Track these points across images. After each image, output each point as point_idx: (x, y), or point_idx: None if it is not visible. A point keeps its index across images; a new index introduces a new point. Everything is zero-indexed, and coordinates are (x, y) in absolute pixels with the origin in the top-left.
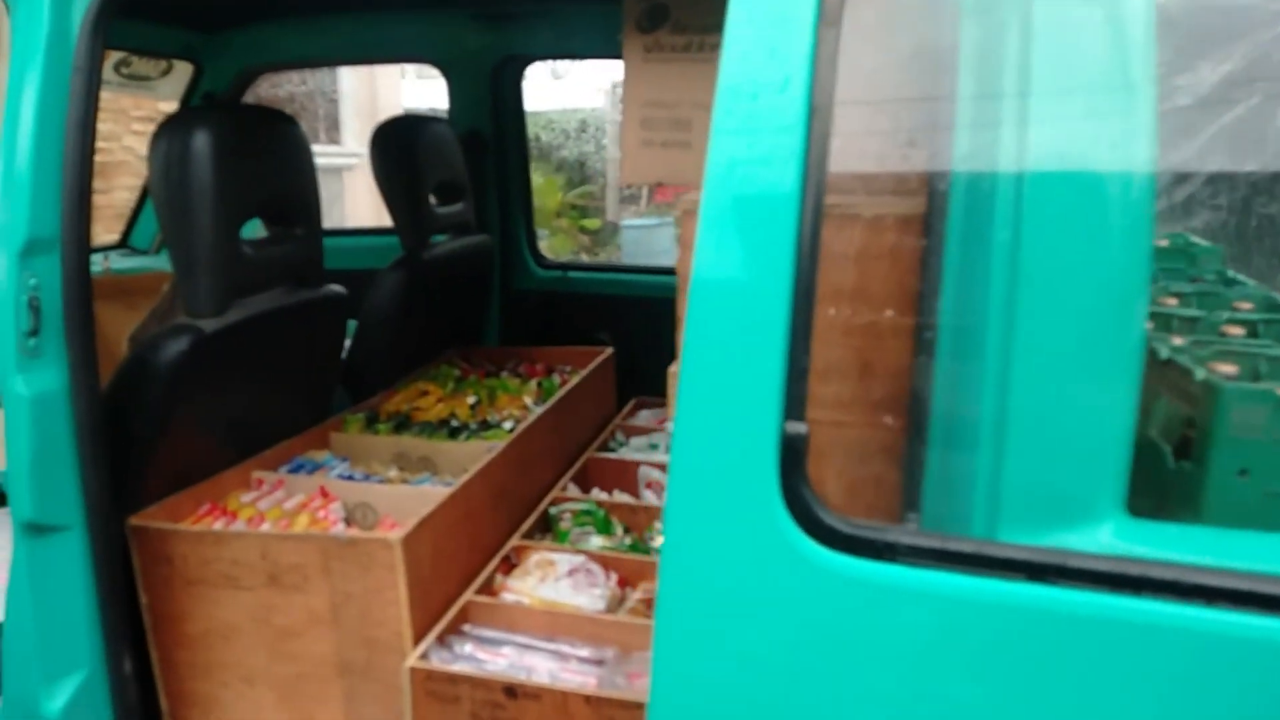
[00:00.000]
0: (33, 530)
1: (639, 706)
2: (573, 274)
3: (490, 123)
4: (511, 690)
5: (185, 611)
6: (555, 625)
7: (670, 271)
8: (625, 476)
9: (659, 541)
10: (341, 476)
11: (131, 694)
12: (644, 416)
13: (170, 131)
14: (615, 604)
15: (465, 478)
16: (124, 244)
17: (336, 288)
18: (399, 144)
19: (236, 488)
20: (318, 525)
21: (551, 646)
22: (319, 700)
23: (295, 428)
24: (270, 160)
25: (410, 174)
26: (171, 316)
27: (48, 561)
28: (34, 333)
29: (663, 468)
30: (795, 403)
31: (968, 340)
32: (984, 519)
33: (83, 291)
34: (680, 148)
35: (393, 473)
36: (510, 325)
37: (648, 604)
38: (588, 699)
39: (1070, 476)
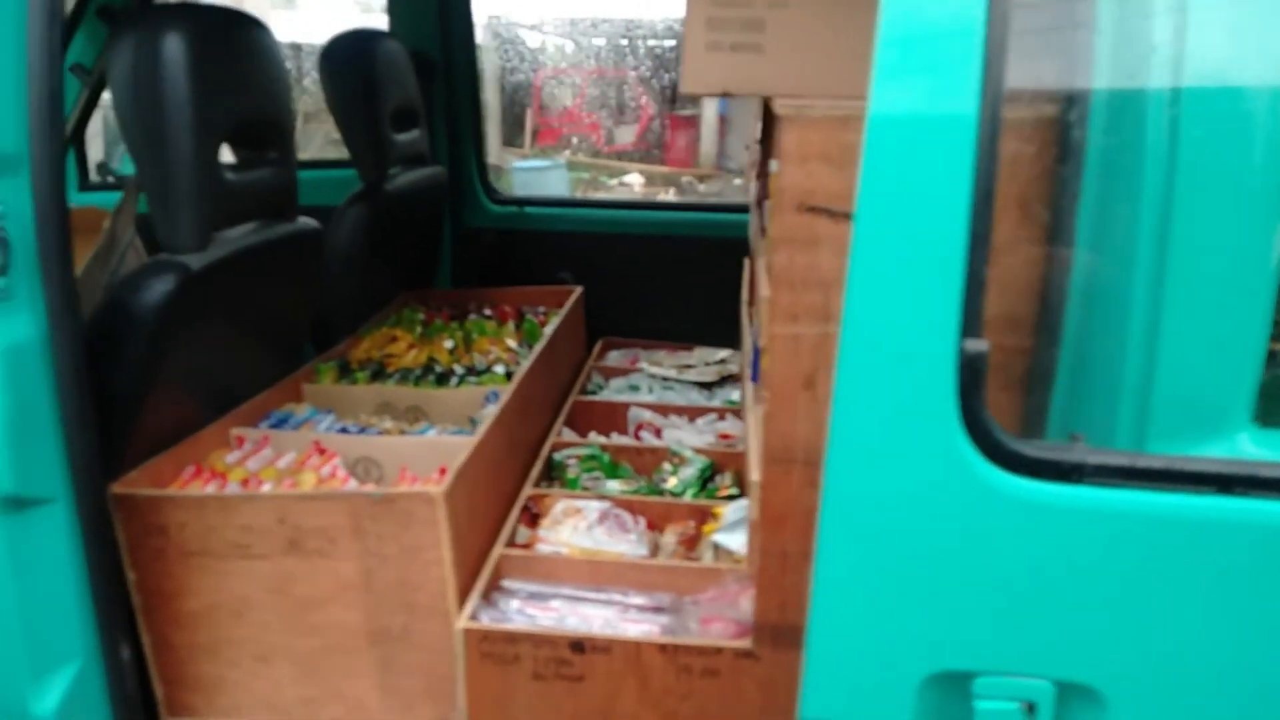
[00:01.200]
0: (12, 505)
1: (717, 652)
2: (529, 209)
3: (438, 44)
4: (579, 645)
5: (183, 587)
6: (598, 574)
7: (634, 206)
8: (615, 419)
9: (671, 483)
10: (331, 430)
11: (131, 683)
12: (614, 357)
13: (135, 36)
14: (653, 548)
15: (487, 425)
16: None
17: (311, 221)
18: (355, 63)
19: (216, 447)
20: (326, 485)
21: (603, 596)
22: (348, 673)
23: (267, 379)
24: (245, 71)
25: (369, 98)
26: (120, 259)
27: (30, 540)
28: (2, 271)
29: (653, 408)
30: (973, 319)
31: (1121, 253)
32: (1132, 432)
33: (60, 218)
34: (752, 51)
35: (387, 423)
36: (462, 265)
37: (688, 545)
38: (662, 648)
39: (1214, 388)
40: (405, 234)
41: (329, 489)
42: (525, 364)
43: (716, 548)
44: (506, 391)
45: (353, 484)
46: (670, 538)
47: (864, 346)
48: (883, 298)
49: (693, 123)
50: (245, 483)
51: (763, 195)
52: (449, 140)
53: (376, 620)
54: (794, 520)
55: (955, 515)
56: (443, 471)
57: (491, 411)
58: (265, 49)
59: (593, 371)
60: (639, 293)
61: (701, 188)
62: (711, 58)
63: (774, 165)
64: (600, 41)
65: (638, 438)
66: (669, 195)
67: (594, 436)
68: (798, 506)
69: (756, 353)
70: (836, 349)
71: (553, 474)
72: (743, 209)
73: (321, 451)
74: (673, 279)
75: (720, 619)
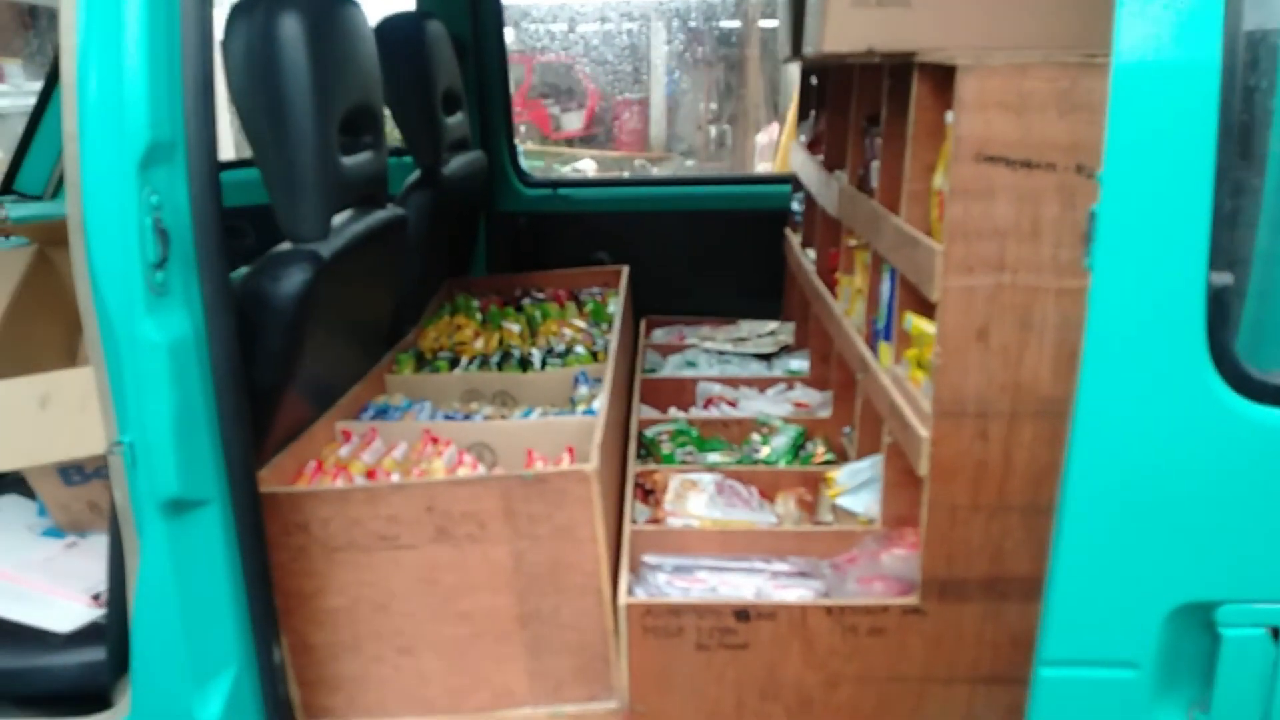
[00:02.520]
0: (173, 509)
1: (883, 610)
2: (563, 191)
3: (469, 23)
4: (743, 612)
5: (325, 585)
6: (731, 544)
7: (668, 182)
8: (683, 394)
9: (764, 452)
10: (435, 418)
11: (281, 688)
12: (659, 335)
13: (250, 18)
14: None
15: (602, 404)
16: (8, 190)
17: (398, 209)
18: (410, 45)
19: (327, 443)
20: (453, 472)
21: (745, 565)
22: (496, 659)
23: (359, 372)
24: (351, 53)
25: (425, 81)
26: None
27: (188, 544)
28: (161, 263)
29: (722, 382)
30: (1219, 254)
31: None
32: None
33: (216, 208)
34: (899, 6)
35: (486, 409)
36: (497, 251)
37: (807, 510)
38: (828, 610)
39: None
40: (454, 221)
41: (478, 474)
42: (612, 343)
43: (836, 510)
44: (606, 371)
45: (481, 469)
46: (787, 504)
47: (1114, 290)
48: (1133, 239)
49: (641, 106)
50: (371, 475)
51: (834, 162)
52: (479, 124)
53: (527, 603)
54: (964, 473)
55: (1204, 448)
56: (570, 451)
57: (597, 391)
58: (363, 30)
59: (646, 350)
60: (677, 269)
61: (655, 170)
62: (855, 14)
63: (949, 116)
64: (539, 27)
65: (707, 410)
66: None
67: (674, 412)
68: (967, 459)
69: (890, 314)
70: (1010, 299)
71: (646, 451)
72: (781, 180)
73: (434, 440)
74: (710, 254)
75: (880, 577)
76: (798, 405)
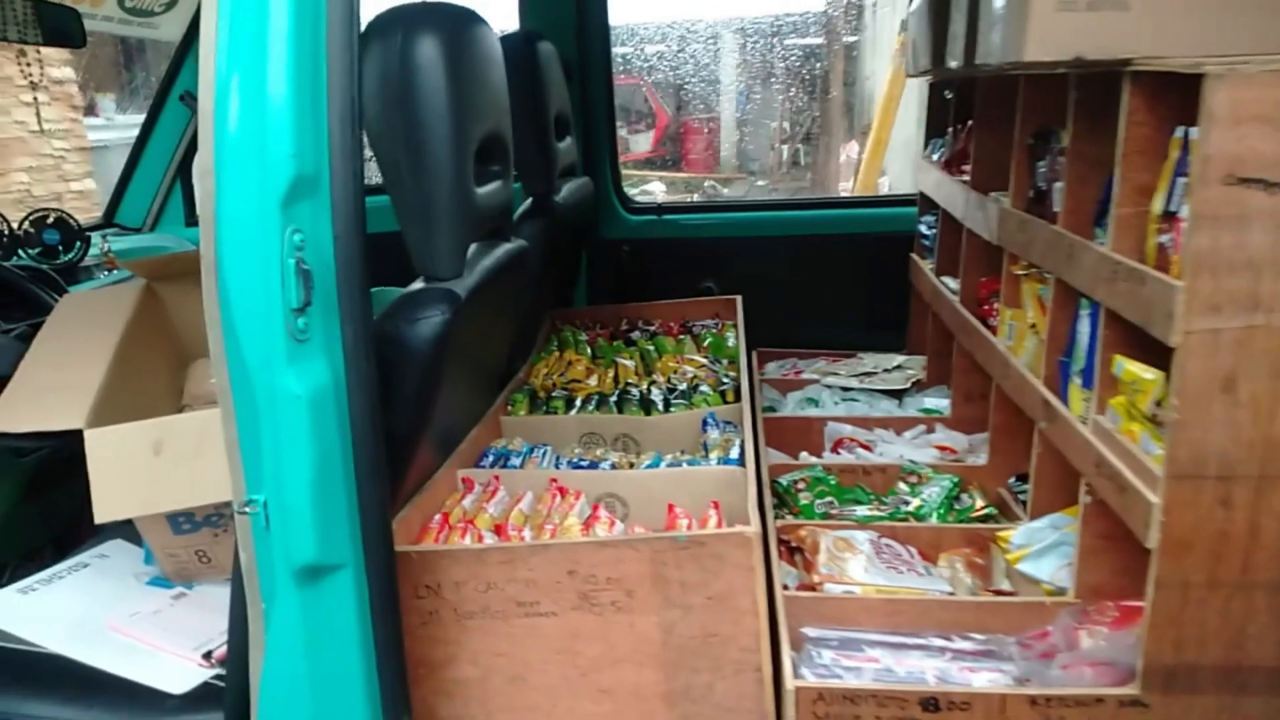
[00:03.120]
0: (308, 575)
1: (1098, 702)
2: (668, 216)
3: (574, 43)
4: (932, 701)
5: (455, 654)
6: (899, 614)
7: (778, 206)
8: (809, 436)
9: (913, 504)
10: (560, 466)
11: None
12: (773, 369)
13: (385, 40)
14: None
15: (749, 452)
16: (110, 223)
17: (522, 241)
18: (521, 65)
19: (449, 493)
20: (589, 529)
21: (922, 641)
22: None
23: (478, 413)
24: (485, 77)
25: (538, 103)
26: None
27: (322, 612)
28: (304, 308)
29: (853, 422)
30: None
31: None
32: None
33: (360, 247)
34: (1114, 9)
35: (612, 455)
36: (598, 280)
37: (980, 573)
38: (1033, 700)
39: None
40: (564, 251)
41: (623, 535)
42: (743, 381)
43: (1014, 576)
44: (743, 413)
45: (620, 528)
46: (954, 568)
47: None
48: None
49: (710, 127)
50: (499, 530)
51: (986, 183)
52: (583, 149)
53: (676, 679)
54: (1201, 545)
55: None
56: (716, 506)
57: (731, 435)
58: (495, 53)
59: (762, 385)
60: (790, 298)
61: (726, 191)
62: (1061, 19)
63: (1193, 132)
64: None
65: (836, 454)
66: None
67: (805, 457)
68: (1206, 529)
69: (1092, 356)
70: (1264, 343)
71: (779, 501)
72: (905, 201)
73: (562, 491)
74: (826, 281)
75: (1090, 663)
76: (942, 449)
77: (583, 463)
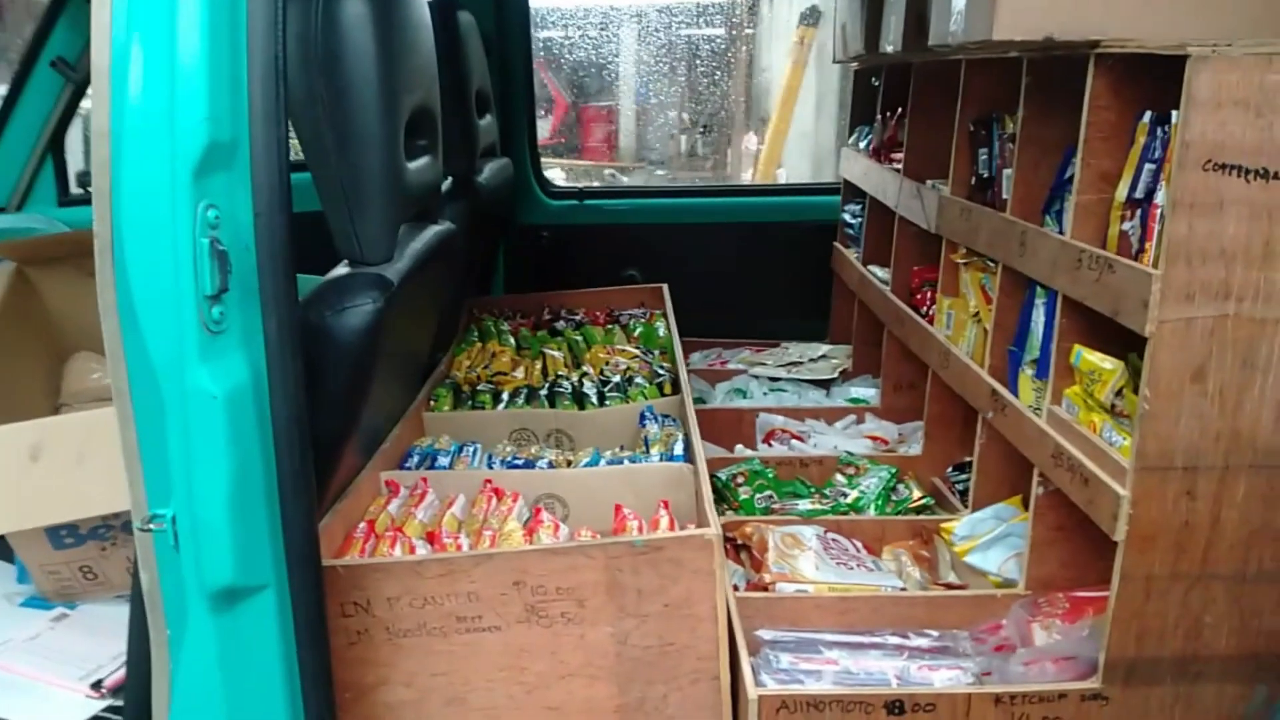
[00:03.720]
0: (224, 599)
1: (1060, 697)
2: (589, 201)
3: (492, 18)
4: (896, 704)
5: (387, 675)
6: (852, 612)
7: (704, 193)
8: (741, 428)
9: (851, 496)
10: (493, 465)
11: None
12: (697, 359)
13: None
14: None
15: (698, 447)
16: None
17: (448, 224)
18: (440, 33)
19: (372, 497)
20: (532, 534)
21: (878, 640)
22: None
23: (400, 409)
24: (414, 43)
25: (460, 77)
26: None
27: (240, 639)
28: (219, 295)
29: (784, 413)
30: None
31: None
32: None
33: (285, 226)
34: None
35: (549, 453)
36: (516, 268)
37: (926, 566)
38: (997, 698)
39: None
40: (484, 235)
41: (576, 542)
42: (682, 373)
43: (960, 568)
44: (685, 407)
45: (565, 531)
46: (900, 562)
47: None
48: None
49: (609, 115)
50: (432, 540)
51: (921, 171)
52: (501, 128)
53: (630, 693)
54: (1165, 537)
55: None
56: (665, 505)
57: (672, 430)
58: (423, 17)
59: (689, 376)
60: (712, 286)
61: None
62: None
63: (1173, 116)
64: None
65: (769, 446)
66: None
67: (741, 450)
68: (1171, 521)
69: (1048, 345)
70: (1234, 333)
71: (718, 496)
72: (829, 190)
73: (498, 493)
74: (748, 269)
75: (1051, 657)
76: (875, 440)
77: (517, 461)
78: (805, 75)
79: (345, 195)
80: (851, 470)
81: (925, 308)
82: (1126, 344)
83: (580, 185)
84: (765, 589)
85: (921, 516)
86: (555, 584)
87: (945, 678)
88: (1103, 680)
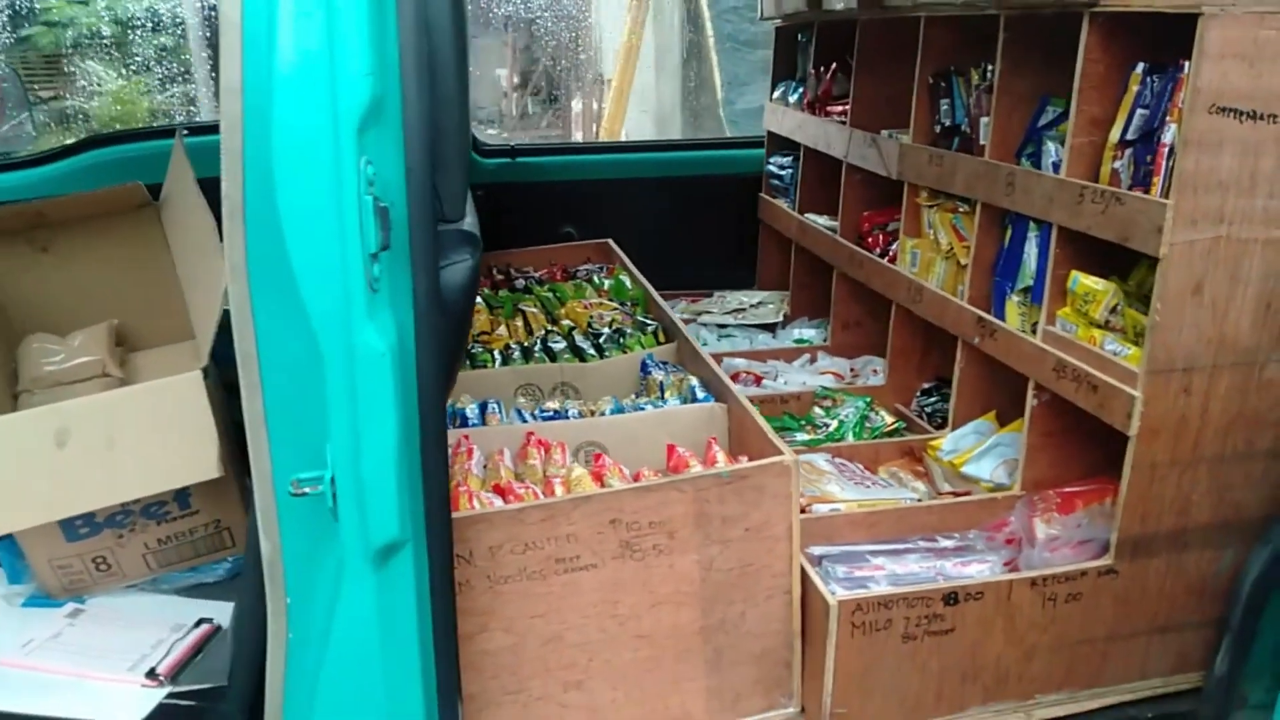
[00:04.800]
0: (382, 557)
1: (1081, 575)
2: (521, 159)
3: None
4: (952, 596)
5: (486, 623)
6: (877, 525)
7: (633, 149)
8: None
9: (832, 426)
10: (521, 419)
11: None
12: None
13: None
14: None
15: (732, 388)
16: None
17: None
18: None
19: None
20: (599, 477)
21: (910, 545)
22: (675, 679)
23: None
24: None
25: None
26: None
27: (392, 596)
28: (379, 252)
29: (746, 356)
30: None
31: None
32: None
33: (432, 185)
34: None
35: (574, 404)
36: None
37: (923, 479)
38: (1032, 582)
39: None
40: None
41: (668, 478)
42: (677, 320)
43: (955, 478)
44: (676, 353)
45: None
46: (898, 478)
47: None
48: None
49: None
50: (501, 493)
51: (869, 122)
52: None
53: (712, 614)
54: (1166, 430)
55: None
56: (714, 441)
57: (681, 375)
58: None
59: None
60: (645, 240)
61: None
62: None
63: (1186, 66)
64: None
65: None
66: None
67: None
68: (1171, 416)
69: (1042, 273)
70: (1225, 252)
71: None
72: (751, 144)
73: (543, 444)
74: (678, 223)
75: (1069, 544)
76: (833, 375)
77: (546, 414)
78: (643, 36)
79: (436, 153)
80: (829, 403)
81: (878, 249)
82: (1111, 268)
83: (512, 143)
84: (804, 511)
85: (895, 439)
86: (648, 519)
87: (977, 570)
88: (1114, 557)
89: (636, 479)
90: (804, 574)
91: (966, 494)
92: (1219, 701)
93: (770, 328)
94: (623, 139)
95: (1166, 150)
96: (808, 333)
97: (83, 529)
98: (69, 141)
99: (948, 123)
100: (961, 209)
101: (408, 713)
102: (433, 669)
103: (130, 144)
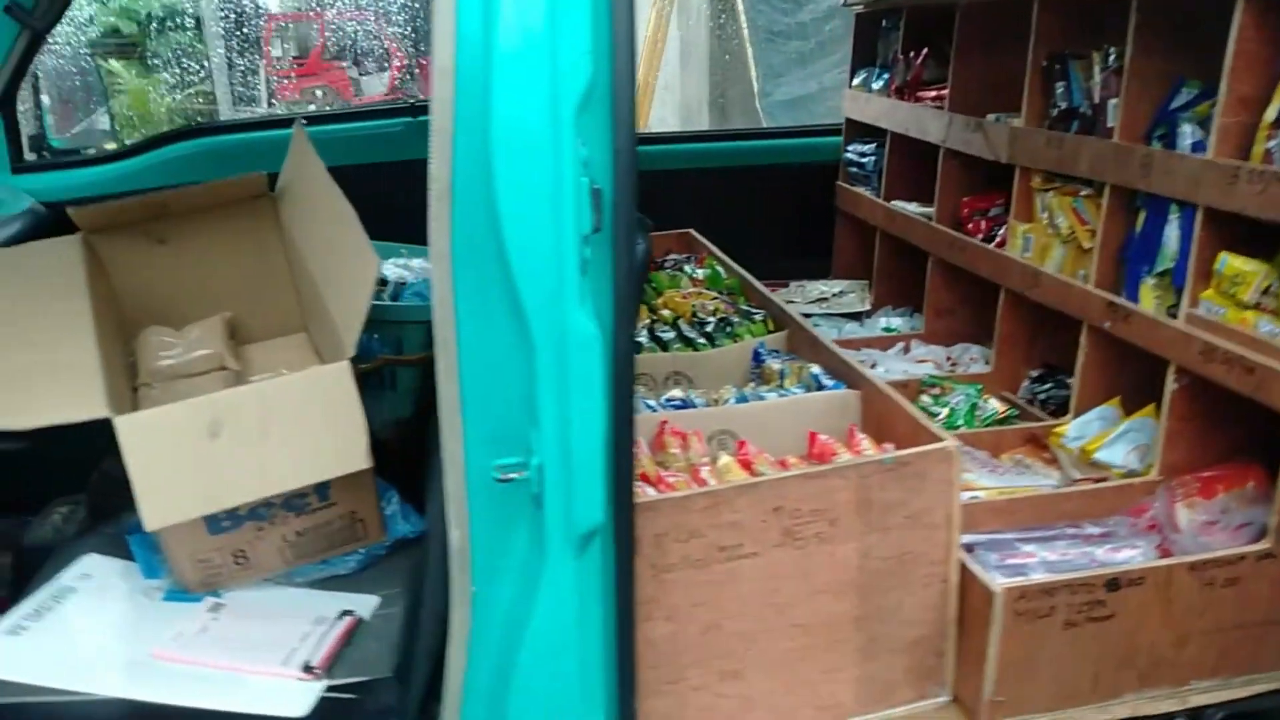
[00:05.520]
0: (584, 542)
1: (1240, 559)
2: None
3: None
4: (1114, 582)
5: (649, 613)
6: (1015, 513)
7: (708, 138)
8: None
9: (943, 414)
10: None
11: None
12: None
13: None
14: None
15: (870, 375)
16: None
17: None
18: None
19: None
20: (748, 465)
21: (1056, 533)
22: (826, 669)
23: None
24: None
25: None
26: None
27: (590, 582)
28: (591, 234)
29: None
30: None
31: None
32: None
33: (635, 169)
34: None
35: (696, 393)
36: None
37: (1056, 466)
38: (1191, 566)
39: None
40: None
41: (832, 465)
42: (793, 311)
43: (1084, 465)
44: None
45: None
46: (1022, 465)
47: None
48: None
49: None
50: (650, 482)
51: (974, 107)
52: None
53: (868, 603)
54: None
55: None
56: (854, 429)
57: (797, 363)
58: None
59: None
60: (717, 230)
61: None
62: None
63: None
64: None
65: None
66: None
67: None
68: None
69: (1185, 255)
70: None
71: None
72: (826, 132)
73: (679, 434)
74: (752, 213)
75: (1226, 529)
76: (932, 363)
77: (673, 402)
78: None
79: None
80: (937, 390)
81: (980, 235)
82: (1255, 250)
83: None
84: None
85: (1013, 426)
86: (811, 506)
87: (1128, 556)
88: (1274, 540)
89: (784, 466)
90: (961, 562)
91: (1103, 480)
92: None
93: (856, 316)
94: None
95: None
96: (895, 321)
97: (225, 522)
98: (150, 134)
99: (1064, 105)
100: (1084, 193)
101: (594, 701)
102: (614, 657)
103: (211, 136)
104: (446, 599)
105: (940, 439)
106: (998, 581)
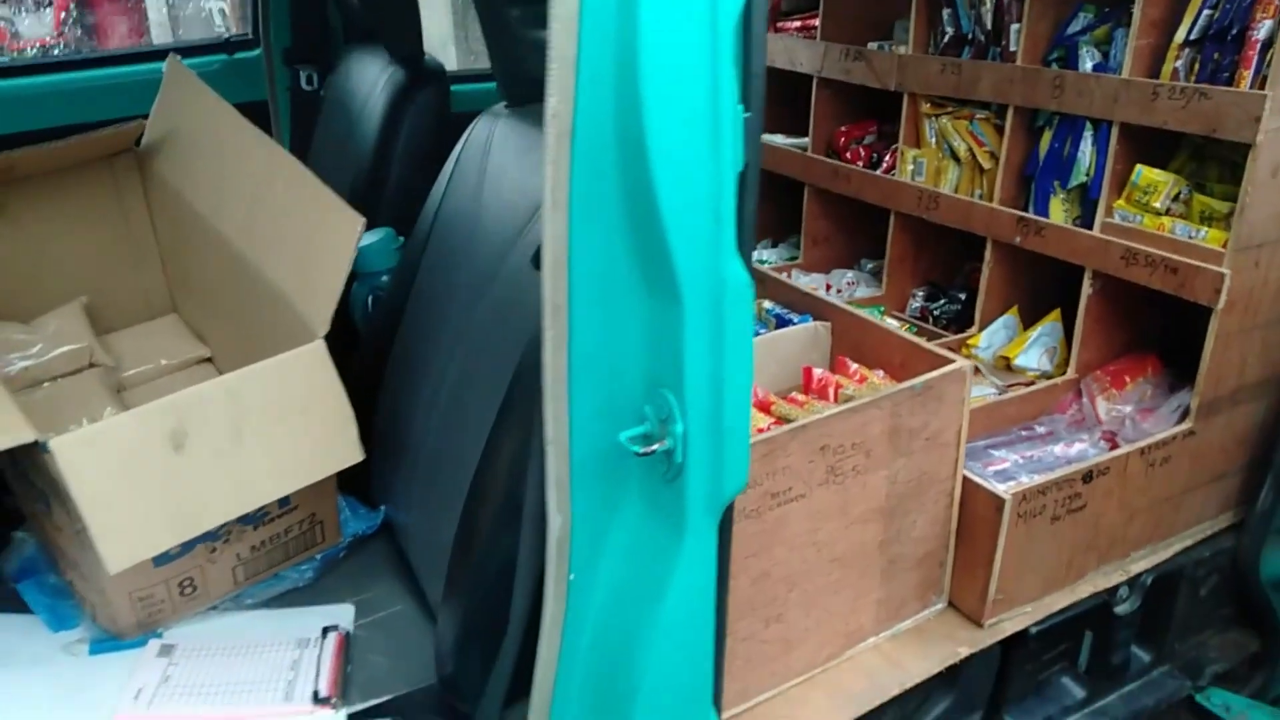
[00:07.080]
0: (727, 509)
1: (1172, 440)
2: None
3: None
4: (1088, 475)
5: None
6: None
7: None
8: None
9: None
10: None
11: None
12: None
13: None
14: None
15: (831, 307)
16: None
17: None
18: None
19: None
20: (767, 409)
21: (1013, 437)
22: (856, 597)
23: None
24: None
25: None
26: None
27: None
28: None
29: None
30: None
31: None
32: None
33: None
34: None
35: None
36: None
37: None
38: (1142, 451)
39: None
40: None
41: (870, 395)
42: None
43: (1001, 370)
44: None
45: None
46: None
47: None
48: None
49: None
50: None
51: (840, 36)
52: None
53: (891, 527)
54: (1240, 302)
55: None
56: (843, 359)
57: (760, 300)
58: None
59: None
60: None
61: None
62: None
63: None
64: None
65: None
66: None
67: None
68: (1246, 287)
69: (1101, 170)
70: None
71: None
72: None
73: None
74: None
75: (1155, 415)
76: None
77: None
78: None
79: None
80: None
81: (860, 163)
82: (1152, 160)
83: None
84: None
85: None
86: (851, 440)
87: (1080, 449)
88: (1195, 420)
89: (797, 404)
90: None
91: (1030, 384)
92: (1259, 532)
93: None
94: None
95: (1260, 45)
96: (768, 254)
97: (173, 549)
98: None
99: (951, 31)
100: (979, 115)
101: (706, 671)
102: (724, 625)
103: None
104: (526, 595)
105: (949, 360)
106: (1001, 488)
